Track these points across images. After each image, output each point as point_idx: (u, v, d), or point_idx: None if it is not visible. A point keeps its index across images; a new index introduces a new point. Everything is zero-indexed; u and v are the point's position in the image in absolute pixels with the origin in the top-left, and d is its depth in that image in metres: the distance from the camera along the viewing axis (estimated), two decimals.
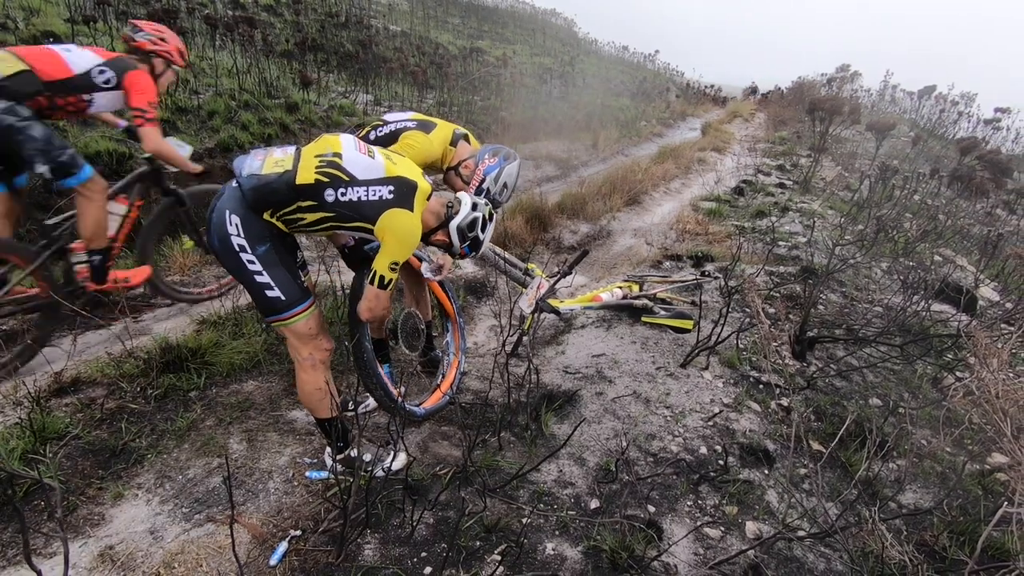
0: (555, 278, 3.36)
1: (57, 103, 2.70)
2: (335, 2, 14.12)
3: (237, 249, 1.97)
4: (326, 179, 1.95)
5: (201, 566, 1.90)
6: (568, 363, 3.34)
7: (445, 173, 2.85)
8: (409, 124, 2.71)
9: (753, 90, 24.64)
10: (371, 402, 2.87)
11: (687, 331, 3.57)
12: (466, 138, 2.86)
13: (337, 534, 1.96)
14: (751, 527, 2.22)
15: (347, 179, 1.96)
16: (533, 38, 22.26)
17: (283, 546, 1.98)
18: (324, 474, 2.34)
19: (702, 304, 3.39)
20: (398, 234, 1.99)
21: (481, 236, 2.26)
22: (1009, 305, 4.54)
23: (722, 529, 2.20)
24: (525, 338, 3.41)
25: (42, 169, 2.65)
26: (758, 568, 2.00)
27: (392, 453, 2.36)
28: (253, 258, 1.98)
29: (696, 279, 4.42)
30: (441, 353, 3.07)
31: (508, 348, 3.34)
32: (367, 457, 2.33)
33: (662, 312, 3.69)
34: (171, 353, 2.89)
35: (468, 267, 4.96)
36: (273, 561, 1.93)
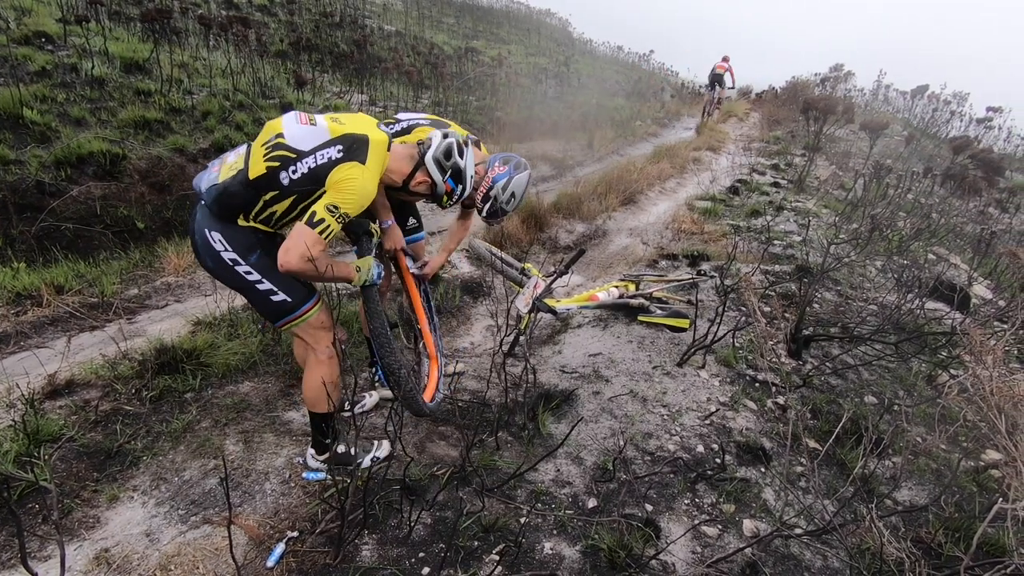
0: (552, 277, 3.36)
1: None
2: (329, 2, 14.08)
3: (231, 263, 1.94)
4: (277, 163, 1.89)
5: (198, 568, 1.89)
6: (565, 362, 3.34)
7: None
8: (422, 121, 2.72)
9: (751, 93, 24.62)
10: (367, 402, 2.86)
11: (683, 330, 3.57)
12: (477, 144, 2.85)
13: (335, 535, 1.95)
14: (748, 525, 2.23)
15: (295, 155, 1.89)
16: (528, 38, 22.26)
17: (280, 547, 1.97)
18: (321, 475, 2.33)
19: (698, 303, 3.39)
20: (344, 182, 1.87)
21: (461, 163, 2.17)
22: (1002, 303, 4.56)
23: (719, 527, 2.20)
24: (522, 338, 3.41)
25: None
26: (755, 566, 2.00)
27: (376, 443, 2.39)
28: (248, 268, 1.96)
29: (692, 278, 4.42)
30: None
31: (505, 348, 3.34)
32: (354, 451, 2.34)
33: (658, 311, 3.69)
34: (166, 355, 2.88)
35: (464, 267, 4.95)
36: (270, 563, 1.92)
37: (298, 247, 1.82)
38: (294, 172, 1.88)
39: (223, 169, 1.97)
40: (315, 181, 1.89)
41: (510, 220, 5.72)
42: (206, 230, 1.94)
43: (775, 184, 8.87)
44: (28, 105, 4.96)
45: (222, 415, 2.66)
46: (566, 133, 11.02)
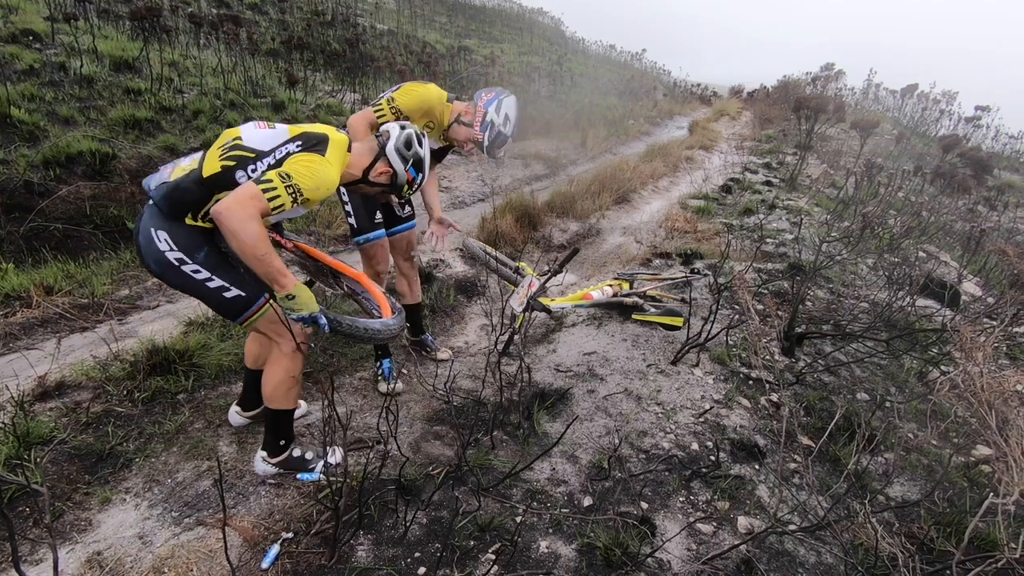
0: (546, 276, 3.36)
1: None
2: (321, 0, 14.01)
3: (176, 263, 1.91)
4: (233, 162, 1.90)
5: (192, 570, 1.88)
6: (560, 361, 3.34)
7: (447, 130, 2.87)
8: (403, 84, 2.81)
9: (742, 92, 25.25)
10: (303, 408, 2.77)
11: (677, 328, 3.58)
12: (458, 99, 2.94)
13: (329, 536, 1.94)
14: (743, 522, 2.24)
15: (253, 155, 1.91)
16: (521, 37, 22.26)
17: (275, 549, 1.96)
18: (315, 476, 2.32)
19: (692, 301, 3.41)
20: (301, 160, 1.88)
21: (421, 152, 2.19)
22: (992, 300, 4.61)
23: (714, 524, 2.21)
24: (516, 337, 3.41)
25: None
26: (750, 562, 2.01)
27: (330, 450, 2.33)
28: (196, 267, 1.93)
29: (686, 276, 4.44)
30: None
31: (500, 347, 3.34)
32: (309, 455, 2.35)
33: (652, 310, 3.70)
34: (158, 355, 2.85)
35: (459, 266, 4.95)
36: (265, 564, 1.91)
37: (235, 195, 1.75)
38: (253, 171, 1.90)
39: (175, 171, 1.97)
40: None
41: (504, 219, 5.71)
42: (152, 229, 1.91)
43: (767, 182, 8.92)
44: (16, 104, 4.91)
45: (215, 416, 2.65)
46: (559, 132, 11.04)
